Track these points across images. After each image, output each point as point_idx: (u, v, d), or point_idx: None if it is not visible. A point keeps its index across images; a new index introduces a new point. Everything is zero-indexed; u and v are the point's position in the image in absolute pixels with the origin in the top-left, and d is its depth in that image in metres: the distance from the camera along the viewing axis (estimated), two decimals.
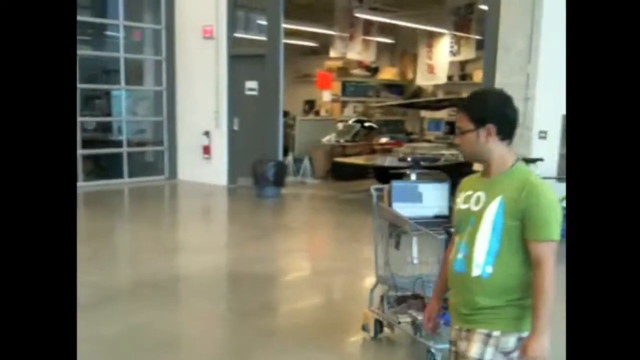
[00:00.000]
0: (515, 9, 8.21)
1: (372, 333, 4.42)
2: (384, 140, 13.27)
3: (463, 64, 15.25)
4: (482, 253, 2.37)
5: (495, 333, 2.35)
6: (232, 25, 11.61)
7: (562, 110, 5.71)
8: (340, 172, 12.26)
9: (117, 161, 12.03)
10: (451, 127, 13.98)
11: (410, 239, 4.10)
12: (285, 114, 15.52)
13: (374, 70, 17.32)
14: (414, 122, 16.52)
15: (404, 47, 17.03)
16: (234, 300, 5.75)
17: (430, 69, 14.35)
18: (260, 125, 11.23)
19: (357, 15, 13.11)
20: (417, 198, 4.09)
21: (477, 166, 8.52)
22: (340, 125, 13.78)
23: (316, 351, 4.34)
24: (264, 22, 11.55)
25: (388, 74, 17.64)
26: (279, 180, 10.53)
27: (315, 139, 12.85)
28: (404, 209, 4.04)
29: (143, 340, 4.60)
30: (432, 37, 14.13)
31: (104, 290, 5.65)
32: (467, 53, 13.19)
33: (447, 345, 2.67)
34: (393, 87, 17.63)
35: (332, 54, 14.54)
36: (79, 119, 11.45)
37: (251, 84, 11.50)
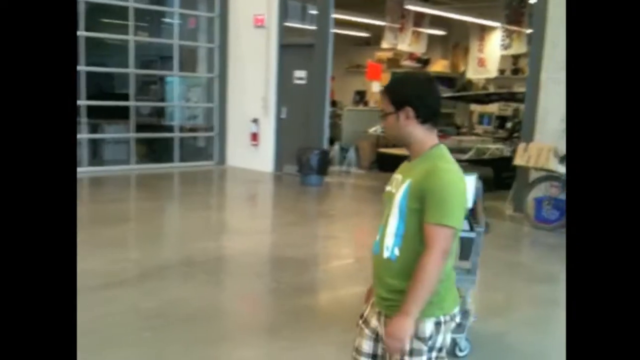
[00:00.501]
0: (563, 3, 8.13)
1: None
2: None
3: (516, 58, 15.05)
4: (391, 235, 2.36)
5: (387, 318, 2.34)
6: (283, 15, 11.80)
7: None
8: (385, 163, 12.34)
9: (169, 146, 12.46)
10: (501, 121, 13.86)
11: None
12: (334, 103, 15.72)
13: (425, 62, 17.25)
14: (464, 115, 16.41)
15: (456, 40, 16.91)
16: (269, 280, 5.98)
17: (481, 63, 14.25)
18: (307, 114, 11.43)
19: (408, 7, 13.12)
20: None
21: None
22: None
23: (341, 333, 4.50)
24: (314, 12, 11.72)
25: (439, 66, 17.53)
26: (322, 169, 10.72)
27: (362, 130, 12.96)
28: None
29: (178, 313, 4.85)
30: (483, 30, 14.03)
31: (147, 267, 5.96)
32: (519, 47, 13.05)
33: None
34: (443, 80, 17.49)
35: (384, 45, 14.59)
36: (134, 103, 11.91)
37: (300, 73, 11.70)
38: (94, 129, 11.81)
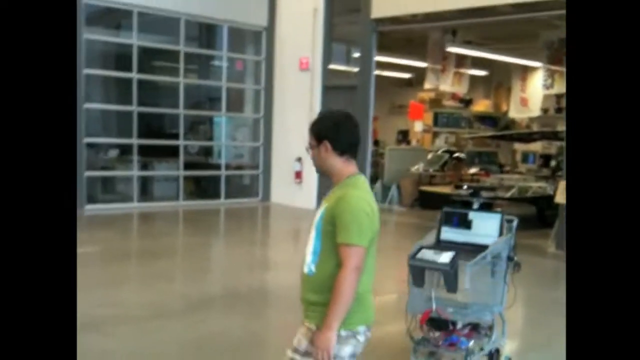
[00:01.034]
0: None
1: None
2: (473, 170, 13.37)
3: (559, 97, 15.07)
4: (309, 253, 2.65)
5: (314, 328, 2.59)
6: (327, 58, 12.18)
7: None
8: (426, 201, 12.47)
9: (215, 183, 12.86)
10: (545, 160, 13.85)
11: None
12: (377, 142, 15.98)
13: (467, 102, 17.41)
14: (507, 154, 16.43)
15: (499, 80, 17.06)
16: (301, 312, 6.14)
17: (524, 102, 14.31)
18: None
19: (449, 49, 13.36)
20: (466, 225, 4.22)
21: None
22: (429, 155, 14.01)
23: None
24: (357, 55, 12.05)
25: (481, 106, 17.67)
26: None
27: (404, 168, 13.14)
28: (451, 234, 4.24)
29: (219, 345, 5.05)
30: (525, 70, 14.13)
31: (192, 299, 6.21)
32: (561, 87, 13.08)
33: None
34: (486, 119, 17.64)
35: (426, 86, 14.82)
36: (183, 142, 12.39)
37: None
38: (144, 166, 12.30)
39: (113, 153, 12.22)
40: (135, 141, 11.54)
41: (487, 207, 4.37)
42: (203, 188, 13.39)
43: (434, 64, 14.11)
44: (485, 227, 4.16)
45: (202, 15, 12.18)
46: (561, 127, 12.81)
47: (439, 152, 14.22)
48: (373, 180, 12.76)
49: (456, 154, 14.36)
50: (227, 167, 13.20)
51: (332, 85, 12.13)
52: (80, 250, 8.90)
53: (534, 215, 10.97)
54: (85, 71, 10.64)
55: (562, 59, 12.68)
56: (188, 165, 12.48)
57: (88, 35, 10.65)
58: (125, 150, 11.98)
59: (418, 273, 3.93)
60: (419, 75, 16.10)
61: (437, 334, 4.09)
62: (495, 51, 13.87)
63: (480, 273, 4.04)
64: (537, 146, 14.74)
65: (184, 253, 8.75)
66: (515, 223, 4.19)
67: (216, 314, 5.89)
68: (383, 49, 12.44)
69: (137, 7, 11.16)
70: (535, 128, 15.55)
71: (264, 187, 13.18)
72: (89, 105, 10.93)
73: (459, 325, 4.03)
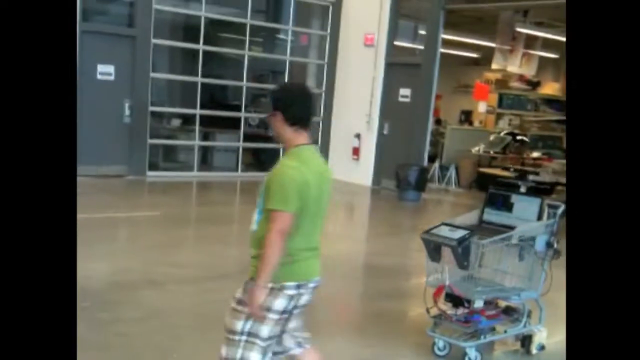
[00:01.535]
0: None
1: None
2: (535, 154, 13.08)
3: None
4: (255, 212, 2.88)
5: (252, 281, 2.82)
6: (392, 34, 12.08)
7: None
8: (484, 183, 12.27)
9: (273, 155, 13.00)
10: None
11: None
12: (439, 121, 15.80)
13: (535, 85, 16.96)
14: None
15: None
16: (359, 284, 6.24)
17: None
18: (409, 131, 11.60)
19: (519, 29, 13.03)
20: (508, 207, 4.22)
21: None
22: (491, 137, 13.77)
23: (418, 335, 4.64)
24: (423, 32, 11.91)
25: (549, 89, 17.18)
26: (420, 185, 10.85)
27: (464, 149, 12.98)
28: (493, 215, 4.25)
29: None
30: None
31: (246, 263, 6.33)
32: None
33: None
34: (553, 103, 17.14)
35: (493, 66, 14.53)
36: (244, 114, 12.59)
37: (405, 91, 11.90)
38: (205, 136, 12.57)
39: (176, 122, 12.53)
40: (197, 111, 11.80)
41: (534, 191, 4.33)
42: (261, 160, 13.57)
43: (502, 44, 13.80)
44: (525, 211, 4.15)
45: None
46: None
47: (502, 134, 13.96)
48: (431, 159, 12.66)
49: (519, 137, 14.05)
50: None
51: (395, 62, 12.04)
52: (141, 213, 9.37)
53: None
54: (153, 41, 10.91)
55: None
56: (247, 137, 12.67)
57: (157, 6, 10.90)
58: (187, 120, 12.26)
59: (434, 248, 3.95)
60: (487, 55, 15.77)
61: (459, 310, 4.10)
62: (565, 33, 13.43)
63: (506, 255, 4.02)
64: None
65: (240, 220, 8.94)
66: (561, 210, 4.07)
67: None
68: (451, 26, 12.24)
69: None
70: None
71: None
72: (155, 75, 11.22)
73: (478, 304, 3.99)
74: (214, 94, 13.38)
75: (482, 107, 14.94)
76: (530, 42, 14.02)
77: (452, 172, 12.62)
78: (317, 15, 13.35)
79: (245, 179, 12.10)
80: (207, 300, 5.16)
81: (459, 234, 3.81)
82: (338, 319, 5.27)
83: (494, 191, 4.34)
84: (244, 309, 2.85)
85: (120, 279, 5.59)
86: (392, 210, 10.45)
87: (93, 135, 10.34)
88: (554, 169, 11.02)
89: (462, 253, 3.77)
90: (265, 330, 2.83)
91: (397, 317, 5.28)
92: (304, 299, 2.93)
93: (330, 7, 12.87)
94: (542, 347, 4.36)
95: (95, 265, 5.94)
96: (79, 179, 11.38)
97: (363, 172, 12.27)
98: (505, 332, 4.19)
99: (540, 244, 4.02)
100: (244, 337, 2.84)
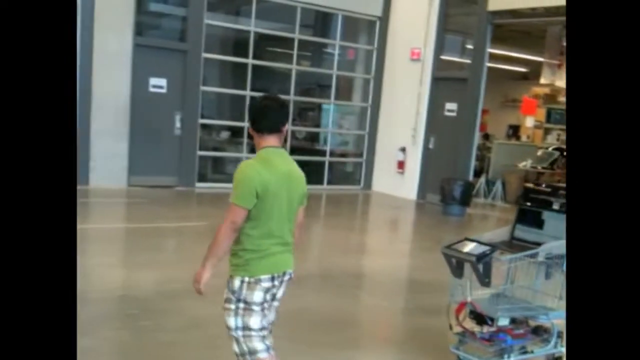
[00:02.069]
0: None
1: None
2: None
3: None
4: None
5: (231, 278, 3.11)
6: (438, 49, 12.10)
7: None
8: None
9: (319, 169, 13.16)
10: None
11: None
12: (487, 136, 15.68)
13: None
14: None
15: None
16: (399, 299, 6.28)
17: None
18: (455, 145, 11.58)
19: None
20: (538, 224, 4.12)
21: None
22: (539, 152, 13.60)
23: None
24: (470, 46, 11.89)
25: None
26: (465, 200, 10.80)
27: (511, 163, 12.85)
28: (524, 232, 4.15)
29: (309, 318, 5.30)
30: None
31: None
32: None
33: None
34: None
35: (542, 80, 14.38)
36: (291, 127, 12.76)
37: (451, 105, 11.90)
38: (252, 149, 12.76)
39: (225, 135, 12.81)
40: (246, 124, 12.03)
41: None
42: (307, 173, 13.68)
43: (550, 58, 13.67)
44: (556, 229, 4.01)
45: (318, 3, 12.44)
46: None
47: (550, 149, 13.76)
48: (477, 174, 12.59)
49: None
50: (332, 153, 13.46)
51: (442, 77, 12.05)
52: (189, 224, 9.58)
53: None
54: (204, 55, 11.22)
55: None
56: (294, 150, 12.83)
57: (208, 21, 11.20)
58: (236, 132, 12.52)
59: (457, 264, 3.87)
60: (535, 70, 15.62)
61: (484, 328, 3.99)
62: None
63: (538, 273, 3.92)
64: None
65: None
66: None
67: (310, 291, 6.13)
68: (498, 41, 12.18)
69: None
70: None
71: (366, 175, 13.34)
72: (205, 88, 11.52)
73: (503, 322, 3.90)
74: None
75: (529, 121, 14.79)
76: None
77: (498, 187, 12.51)
78: (364, 30, 13.47)
79: None
80: None
81: (480, 249, 3.73)
82: (377, 333, 5.33)
83: (525, 207, 4.28)
84: (230, 306, 3.11)
85: (165, 288, 5.75)
86: (436, 224, 10.44)
87: (145, 146, 10.70)
88: None
89: (483, 269, 3.69)
90: (254, 321, 3.10)
91: (435, 333, 5.29)
92: (280, 292, 3.24)
93: (377, 22, 12.99)
94: None
95: (142, 274, 6.15)
96: (131, 189, 11.75)
97: (408, 186, 12.29)
98: (532, 352, 4.06)
99: None
100: (240, 332, 3.11)
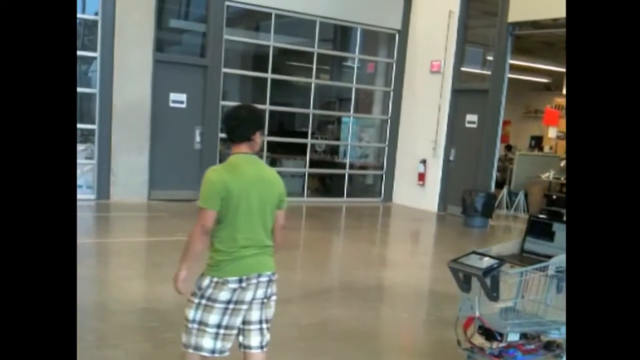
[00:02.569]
0: None
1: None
2: None
3: None
4: None
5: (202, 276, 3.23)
6: (459, 61, 12.06)
7: None
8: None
9: (339, 181, 13.14)
10: None
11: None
12: (510, 147, 15.55)
13: None
14: None
15: None
16: (420, 311, 6.20)
17: None
18: (476, 157, 11.50)
19: None
20: (549, 236, 3.99)
21: None
22: (562, 163, 13.42)
23: None
24: (490, 58, 11.83)
25: None
26: (487, 212, 10.69)
27: (533, 175, 12.72)
28: (534, 244, 4.03)
29: (332, 331, 5.25)
30: None
31: (309, 289, 6.47)
32: None
33: None
34: None
35: (564, 91, 14.23)
36: (311, 140, 12.78)
37: (471, 117, 11.83)
38: (273, 162, 12.83)
39: None
40: (265, 138, 12.06)
41: None
42: (327, 186, 13.72)
43: None
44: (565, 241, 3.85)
45: (337, 17, 12.48)
46: None
47: None
48: (500, 185, 12.46)
49: None
50: (352, 166, 13.44)
51: (462, 89, 11.99)
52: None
53: None
54: (224, 70, 11.29)
55: None
56: (314, 163, 12.86)
57: (227, 36, 11.28)
58: None
59: (464, 278, 3.73)
60: (557, 80, 15.49)
61: (494, 344, 3.85)
62: None
63: (550, 287, 3.74)
64: None
65: (305, 246, 9.06)
66: None
67: (333, 304, 6.11)
68: (520, 52, 12.11)
69: (275, 9, 11.65)
70: None
71: (387, 187, 13.28)
72: (225, 103, 11.58)
73: (513, 338, 3.77)
74: (282, 121, 13.65)
75: (552, 132, 14.61)
76: None
77: (521, 198, 12.37)
78: (384, 43, 13.48)
79: (311, 204, 12.24)
80: (274, 324, 5.24)
81: (487, 263, 3.59)
82: (399, 345, 5.26)
83: (535, 219, 4.15)
84: (194, 299, 3.23)
85: (186, 301, 5.74)
86: (457, 236, 10.33)
87: (165, 160, 10.77)
88: None
89: (491, 283, 3.56)
90: (212, 318, 3.19)
91: (457, 345, 5.21)
92: (259, 292, 3.27)
93: (397, 35, 12.98)
94: None
95: (163, 287, 6.12)
96: (151, 202, 11.80)
97: (429, 198, 12.21)
98: None
99: None
100: (195, 325, 3.22)
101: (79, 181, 10.35)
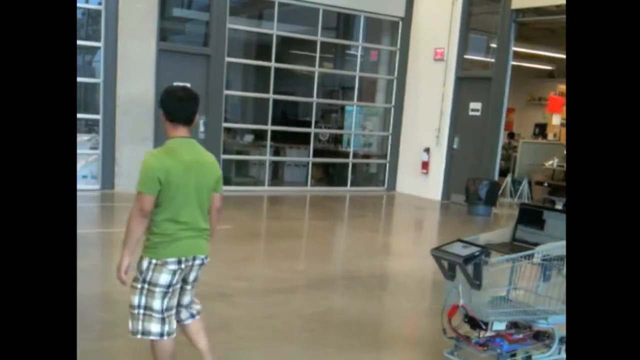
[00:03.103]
0: None
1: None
2: None
3: None
4: None
5: (141, 259, 3.26)
6: (462, 48, 12.01)
7: None
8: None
9: (343, 170, 13.15)
10: None
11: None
12: (512, 135, 15.52)
13: None
14: None
15: None
16: (423, 300, 6.22)
17: None
18: (480, 145, 11.48)
19: None
20: (539, 225, 3.96)
21: None
22: (565, 150, 13.41)
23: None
24: (494, 45, 11.79)
25: None
26: (490, 200, 10.70)
27: (537, 163, 12.70)
28: (524, 233, 4.00)
29: (335, 320, 5.30)
30: None
31: (312, 278, 6.50)
32: None
33: None
34: None
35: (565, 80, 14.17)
36: (315, 130, 12.78)
37: (475, 105, 11.81)
38: (276, 152, 12.84)
39: (248, 138, 12.86)
40: (269, 127, 12.08)
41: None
42: (331, 175, 13.73)
43: None
44: (556, 229, 3.82)
45: (340, 5, 12.42)
46: None
47: None
48: (503, 173, 12.45)
49: None
50: (355, 155, 13.44)
51: (465, 77, 11.96)
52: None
53: None
54: (227, 59, 11.27)
55: None
56: (318, 152, 12.86)
57: (231, 25, 11.26)
58: (259, 135, 12.56)
59: (448, 266, 3.69)
60: (561, 67, 15.40)
61: (481, 333, 3.80)
62: None
63: (535, 275, 3.75)
64: None
65: (309, 235, 9.10)
66: None
67: (335, 294, 6.14)
68: (524, 39, 12.05)
69: None
70: None
71: (390, 176, 13.29)
72: (228, 92, 11.57)
73: (498, 327, 3.71)
74: (285, 110, 13.65)
75: (556, 119, 14.60)
76: None
77: (524, 186, 12.37)
78: (387, 31, 13.42)
79: (315, 194, 12.27)
80: (272, 313, 5.29)
81: (469, 251, 3.54)
82: (403, 335, 5.30)
83: (525, 207, 4.13)
84: (136, 285, 3.25)
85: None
86: (461, 225, 10.34)
87: None
88: None
89: (474, 271, 3.51)
90: (156, 303, 3.24)
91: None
92: (191, 276, 3.38)
93: (400, 23, 12.93)
94: None
95: None
96: None
97: (432, 187, 12.22)
98: (530, 357, 3.83)
99: None
100: (141, 311, 3.25)
101: (84, 171, 10.39)
